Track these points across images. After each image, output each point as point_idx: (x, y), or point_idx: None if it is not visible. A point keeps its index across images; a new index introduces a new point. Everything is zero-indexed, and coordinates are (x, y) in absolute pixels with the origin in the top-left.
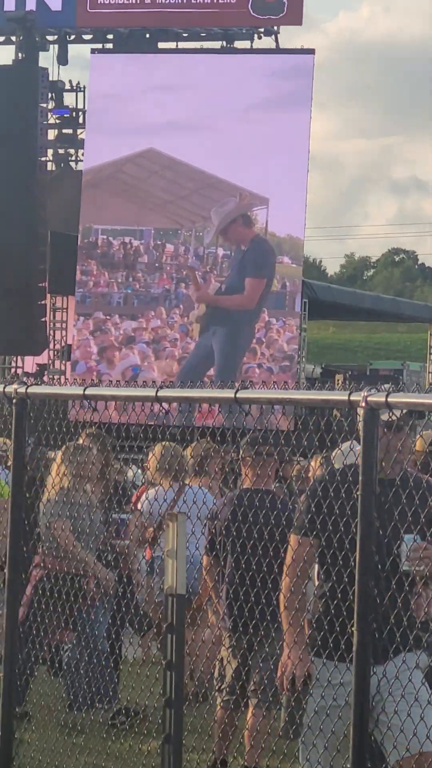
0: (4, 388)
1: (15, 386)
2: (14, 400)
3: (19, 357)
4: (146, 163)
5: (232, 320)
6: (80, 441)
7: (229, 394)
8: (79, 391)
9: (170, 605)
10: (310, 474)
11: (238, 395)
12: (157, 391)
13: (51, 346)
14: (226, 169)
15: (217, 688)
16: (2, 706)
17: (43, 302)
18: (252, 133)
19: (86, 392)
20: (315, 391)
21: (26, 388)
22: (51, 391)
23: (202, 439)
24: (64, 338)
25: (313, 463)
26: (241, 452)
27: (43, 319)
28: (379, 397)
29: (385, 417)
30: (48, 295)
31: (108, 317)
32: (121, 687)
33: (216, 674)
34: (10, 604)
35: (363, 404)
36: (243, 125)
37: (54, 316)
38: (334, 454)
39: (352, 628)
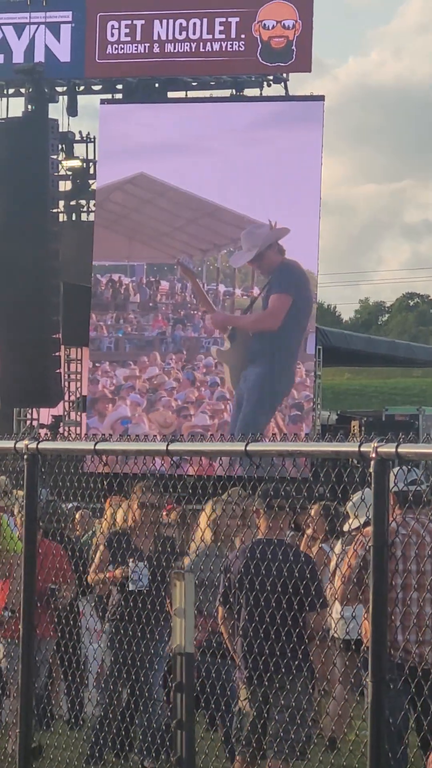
0: (15, 443)
1: (26, 442)
2: (25, 456)
3: (34, 409)
4: (136, 191)
5: (265, 358)
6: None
7: (239, 447)
8: (89, 446)
9: (179, 664)
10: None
11: (248, 448)
12: (168, 445)
13: (66, 397)
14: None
15: (234, 739)
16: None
17: (57, 354)
18: (263, 180)
19: (97, 447)
20: (325, 443)
21: (37, 444)
22: (62, 446)
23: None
24: (79, 389)
25: (312, 512)
26: (254, 504)
27: (58, 371)
28: (389, 448)
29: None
30: (62, 347)
31: (98, 365)
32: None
33: (234, 725)
34: (25, 659)
35: (373, 455)
36: (253, 171)
37: (68, 368)
38: (347, 505)
39: None
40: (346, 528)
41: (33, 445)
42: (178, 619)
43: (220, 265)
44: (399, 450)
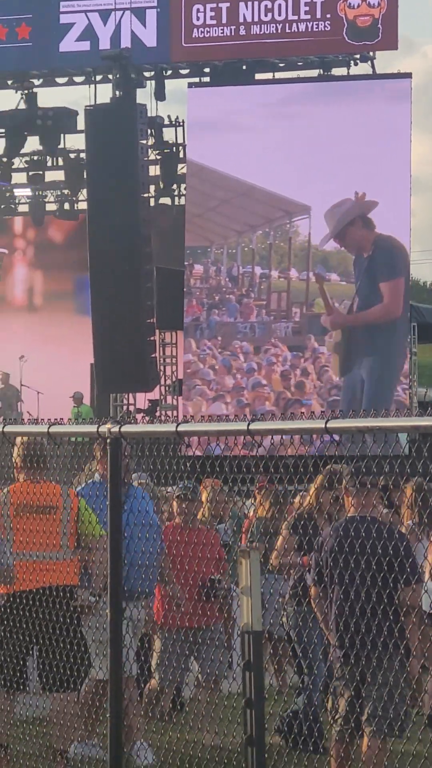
0: (98, 427)
1: (109, 425)
2: (108, 440)
3: (130, 394)
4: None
5: (377, 349)
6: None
7: (319, 424)
8: (171, 428)
9: (247, 643)
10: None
11: (328, 425)
12: (249, 424)
13: (162, 381)
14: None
15: (331, 719)
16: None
17: (152, 338)
18: (351, 158)
19: (179, 429)
20: (405, 418)
21: (120, 427)
22: (144, 429)
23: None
24: (175, 373)
25: (407, 492)
26: (344, 483)
27: (153, 355)
28: None
29: None
30: (157, 331)
31: None
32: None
33: (329, 706)
34: (113, 647)
35: None
36: (340, 150)
37: (164, 352)
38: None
39: None
40: None
41: (115, 429)
42: (245, 597)
43: (255, 247)
44: None
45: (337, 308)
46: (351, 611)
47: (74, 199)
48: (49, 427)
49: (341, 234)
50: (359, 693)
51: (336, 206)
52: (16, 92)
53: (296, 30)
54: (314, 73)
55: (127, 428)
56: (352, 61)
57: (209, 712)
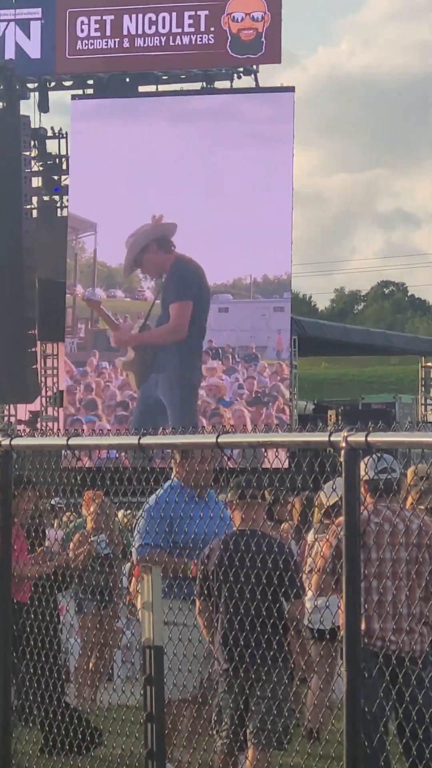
0: None
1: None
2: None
3: (11, 405)
4: None
5: (171, 365)
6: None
7: (210, 439)
8: (62, 441)
9: (148, 657)
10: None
11: (219, 440)
12: (140, 438)
13: (43, 393)
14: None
15: (215, 732)
16: None
17: (33, 349)
18: (233, 174)
19: (69, 442)
20: (296, 433)
21: (10, 440)
22: (35, 442)
23: None
24: (56, 384)
25: (296, 504)
26: (227, 496)
27: (34, 367)
28: (359, 437)
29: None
30: (38, 342)
31: None
32: (106, 734)
33: (213, 718)
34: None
35: (343, 444)
36: (224, 165)
37: (45, 363)
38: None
39: None
40: (316, 518)
41: (6, 442)
42: (146, 612)
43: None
44: (369, 439)
45: (123, 325)
46: (234, 625)
47: None
48: None
49: (138, 262)
50: (240, 706)
51: (130, 236)
52: None
53: (180, 43)
54: (197, 85)
55: (17, 441)
56: (235, 75)
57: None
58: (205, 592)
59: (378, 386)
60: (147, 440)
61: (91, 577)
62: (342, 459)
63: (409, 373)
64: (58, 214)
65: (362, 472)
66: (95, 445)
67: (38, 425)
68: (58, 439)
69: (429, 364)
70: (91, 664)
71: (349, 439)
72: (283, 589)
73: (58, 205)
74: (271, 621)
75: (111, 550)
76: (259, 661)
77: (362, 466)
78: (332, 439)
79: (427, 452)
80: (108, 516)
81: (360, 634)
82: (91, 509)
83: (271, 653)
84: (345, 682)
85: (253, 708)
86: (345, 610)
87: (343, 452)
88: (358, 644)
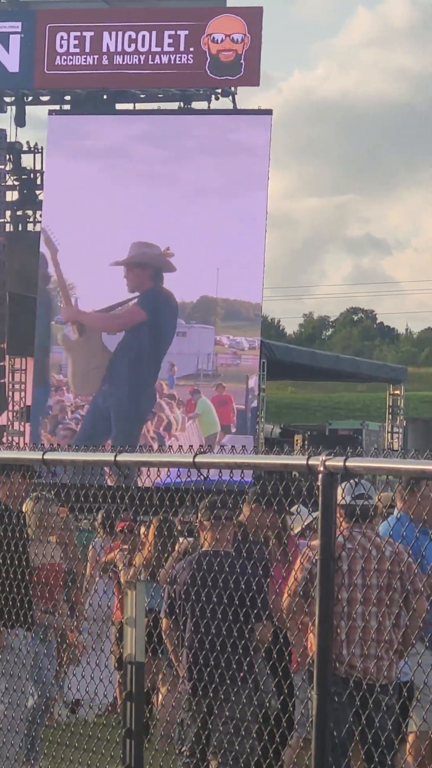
0: None
1: None
2: None
3: None
4: None
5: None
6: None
7: (187, 458)
8: (38, 455)
9: (129, 673)
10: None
11: (196, 460)
12: (116, 455)
13: (10, 407)
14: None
15: (177, 750)
16: None
17: (1, 364)
18: (209, 196)
19: (45, 457)
20: (274, 456)
21: None
22: (11, 455)
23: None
24: (23, 399)
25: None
26: (199, 516)
27: (2, 381)
28: (337, 462)
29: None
30: (7, 357)
31: None
32: (80, 751)
33: (176, 737)
34: None
35: (321, 468)
36: (199, 185)
37: (13, 378)
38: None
39: None
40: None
41: None
42: (129, 628)
43: None
44: (347, 464)
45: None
46: (201, 644)
47: None
48: None
49: (131, 269)
50: (206, 725)
51: (147, 247)
52: None
53: (159, 62)
54: (175, 105)
55: None
56: (213, 95)
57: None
58: (175, 611)
59: (344, 412)
60: (123, 457)
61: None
62: (319, 483)
63: (376, 400)
64: (30, 229)
65: (339, 497)
66: (71, 460)
67: (4, 439)
68: (33, 453)
69: (397, 391)
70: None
71: (327, 463)
72: (253, 610)
73: (31, 219)
74: (239, 641)
75: (74, 565)
76: (225, 681)
77: (339, 490)
78: (310, 462)
79: (392, 479)
80: (70, 531)
81: (331, 657)
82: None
83: (238, 674)
84: (314, 705)
85: (220, 728)
86: (317, 634)
87: (320, 476)
88: (329, 668)
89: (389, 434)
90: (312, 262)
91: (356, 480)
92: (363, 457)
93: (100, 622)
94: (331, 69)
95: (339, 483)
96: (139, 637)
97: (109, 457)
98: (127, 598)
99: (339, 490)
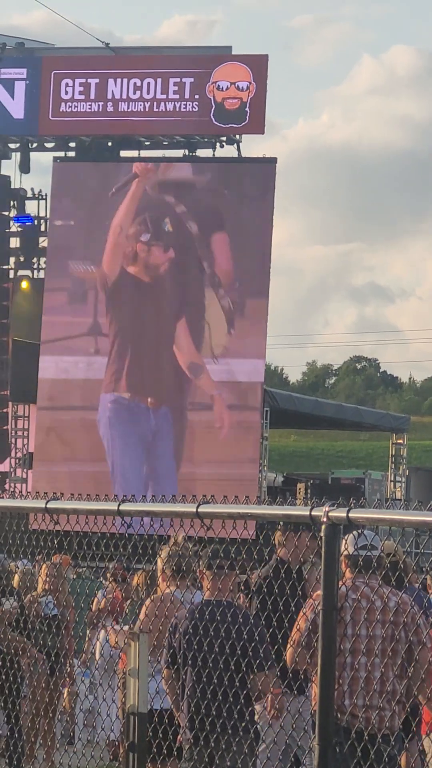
0: None
1: None
2: None
3: None
4: None
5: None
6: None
7: (190, 508)
8: (41, 504)
9: (132, 724)
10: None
11: (199, 509)
12: (119, 505)
13: (12, 454)
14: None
15: None
16: None
17: (5, 410)
18: (213, 244)
19: (48, 506)
20: (277, 506)
21: None
22: (12, 504)
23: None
24: (26, 446)
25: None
26: (201, 566)
27: (5, 427)
28: (340, 512)
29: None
30: (10, 403)
31: None
32: None
33: None
34: None
35: (324, 519)
36: (204, 231)
37: (16, 424)
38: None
39: None
40: None
41: None
42: (132, 679)
43: None
44: (350, 515)
45: None
46: (203, 694)
47: None
48: None
49: None
50: None
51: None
52: None
53: (164, 109)
54: (179, 153)
55: None
56: (218, 143)
57: None
58: (178, 660)
59: (347, 461)
60: (127, 507)
61: (38, 637)
62: (322, 534)
63: (378, 449)
64: (36, 276)
65: (342, 547)
66: (73, 509)
67: (6, 486)
68: (35, 502)
69: (399, 440)
70: (44, 725)
71: (330, 514)
72: (255, 660)
73: (36, 266)
74: (240, 691)
75: (59, 611)
76: (226, 731)
77: (343, 541)
78: (313, 513)
79: (395, 529)
80: (63, 579)
81: (333, 707)
82: (43, 571)
83: (239, 723)
84: (316, 756)
85: None
86: (320, 684)
87: (323, 527)
88: (331, 717)
89: (392, 483)
90: (316, 310)
91: (360, 531)
92: (366, 508)
93: (102, 670)
94: (336, 117)
95: (342, 534)
96: (142, 688)
97: (112, 506)
98: (130, 649)
99: (343, 541)
